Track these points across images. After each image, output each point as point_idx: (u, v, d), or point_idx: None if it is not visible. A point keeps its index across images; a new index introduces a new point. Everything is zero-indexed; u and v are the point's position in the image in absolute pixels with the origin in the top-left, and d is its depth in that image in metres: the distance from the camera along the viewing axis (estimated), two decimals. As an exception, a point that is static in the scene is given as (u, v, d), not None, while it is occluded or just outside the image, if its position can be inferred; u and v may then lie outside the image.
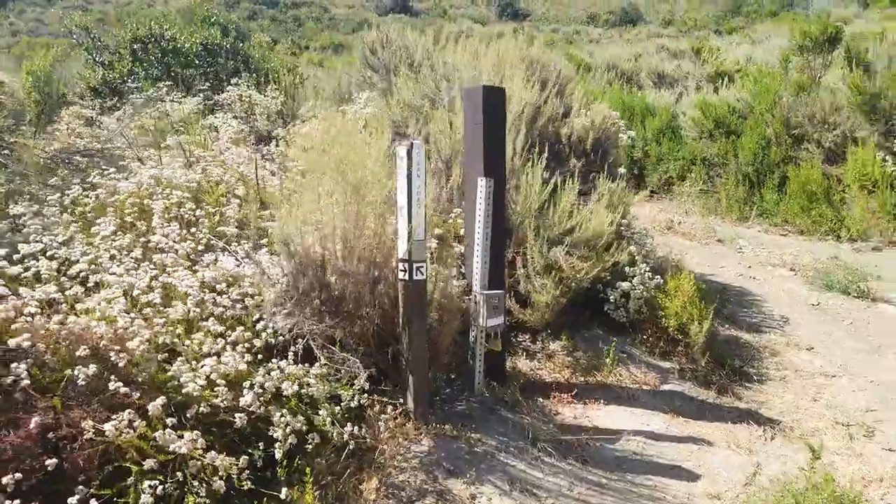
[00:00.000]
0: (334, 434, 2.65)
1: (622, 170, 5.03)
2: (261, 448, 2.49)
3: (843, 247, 8.24)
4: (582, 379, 3.91)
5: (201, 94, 7.76)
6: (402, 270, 3.11)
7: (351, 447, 2.66)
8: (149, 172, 3.88)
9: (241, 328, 2.72)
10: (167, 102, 7.34)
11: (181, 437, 2.21)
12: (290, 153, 6.33)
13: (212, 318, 2.73)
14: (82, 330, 2.35)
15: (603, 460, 3.14)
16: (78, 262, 2.99)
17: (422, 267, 3.13)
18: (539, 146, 4.60)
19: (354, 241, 2.99)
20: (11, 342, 2.22)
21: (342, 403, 2.81)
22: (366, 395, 2.93)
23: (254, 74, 8.51)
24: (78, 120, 6.01)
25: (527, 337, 4.32)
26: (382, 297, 3.20)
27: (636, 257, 4.48)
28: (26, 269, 2.87)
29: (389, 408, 3.06)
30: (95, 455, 2.13)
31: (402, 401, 3.16)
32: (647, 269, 4.42)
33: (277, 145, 6.84)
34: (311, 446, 2.55)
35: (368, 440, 2.80)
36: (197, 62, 8.39)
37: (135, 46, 7.75)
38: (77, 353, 2.29)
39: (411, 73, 5.75)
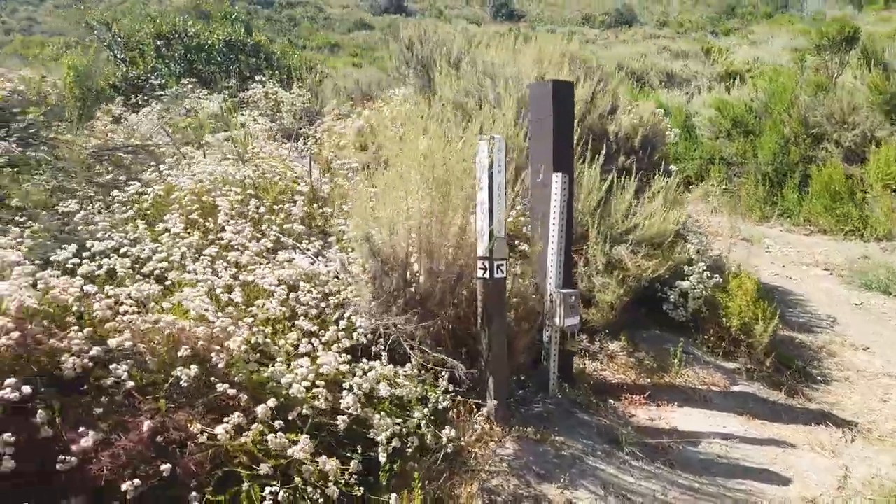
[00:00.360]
0: (429, 437, 2.56)
1: (673, 167, 4.96)
2: (358, 451, 2.39)
3: (870, 246, 8.20)
4: (648, 380, 3.84)
5: (226, 92, 7.66)
6: (481, 269, 3.02)
7: (449, 450, 2.56)
8: (207, 168, 3.77)
9: (334, 328, 2.62)
10: (192, 99, 7.24)
11: (295, 442, 2.11)
12: (325, 150, 6.24)
13: (302, 318, 2.63)
14: (181, 330, 2.25)
15: (689, 464, 3.06)
16: (151, 259, 2.89)
17: (502, 265, 3.04)
18: (592, 143, 4.53)
19: (438, 238, 2.90)
20: (112, 342, 2.12)
21: (428, 405, 2.72)
22: (448, 396, 2.84)
23: (276, 72, 8.41)
24: (107, 116, 5.89)
25: (584, 337, 4.24)
26: (460, 296, 3.12)
27: (693, 256, 4.41)
28: (99, 267, 2.76)
29: (475, 410, 2.97)
30: (205, 459, 2.03)
31: (480, 402, 3.07)
32: (705, 267, 4.35)
33: (306, 142, 6.74)
34: (410, 449, 2.45)
35: (462, 442, 2.71)
36: (219, 59, 8.28)
37: (158, 43, 7.62)
38: (179, 354, 2.19)
39: (451, 70, 5.66)
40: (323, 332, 2.59)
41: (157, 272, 2.84)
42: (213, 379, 2.23)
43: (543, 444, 2.96)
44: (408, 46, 6.19)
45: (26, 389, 1.83)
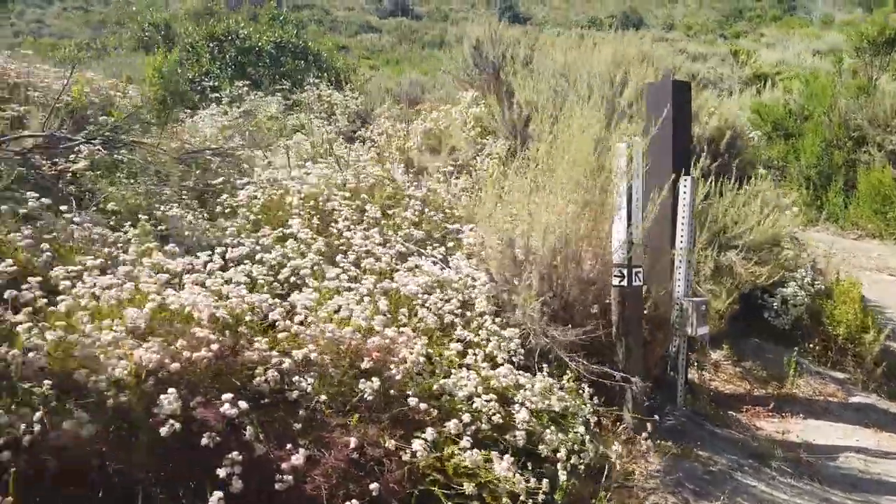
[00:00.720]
0: (591, 452, 2.47)
1: (762, 170, 4.87)
2: (529, 468, 2.30)
3: (925, 251, 8.09)
4: (763, 391, 3.75)
5: (279, 94, 7.60)
6: (617, 276, 2.93)
7: (617, 467, 2.47)
8: (313, 172, 3.69)
9: (496, 338, 2.53)
10: (248, 101, 7.18)
11: (488, 459, 2.03)
12: (388, 153, 6.15)
13: (460, 328, 2.54)
14: (360, 341, 2.16)
15: (834, 479, 2.97)
16: (284, 266, 2.80)
17: (640, 272, 2.96)
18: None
19: (586, 245, 2.82)
20: (297, 354, 2.03)
21: (579, 418, 2.63)
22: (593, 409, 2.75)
23: (324, 74, 8.33)
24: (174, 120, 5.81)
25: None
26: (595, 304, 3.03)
27: (792, 262, 4.32)
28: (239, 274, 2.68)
29: (615, 423, 2.88)
30: (403, 477, 1.94)
31: (619, 412, 2.98)
32: (805, 273, 4.26)
33: (364, 143, 6.66)
34: (582, 466, 2.36)
35: (623, 459, 2.62)
36: (267, 61, 8.21)
37: (211, 45, 7.55)
38: (362, 366, 2.11)
39: (525, 71, 5.58)
40: (485, 342, 2.51)
41: (293, 279, 2.76)
42: (392, 392, 2.14)
43: (688, 458, 2.87)
44: (475, 47, 6.11)
45: (243, 405, 1.74)
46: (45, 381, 1.72)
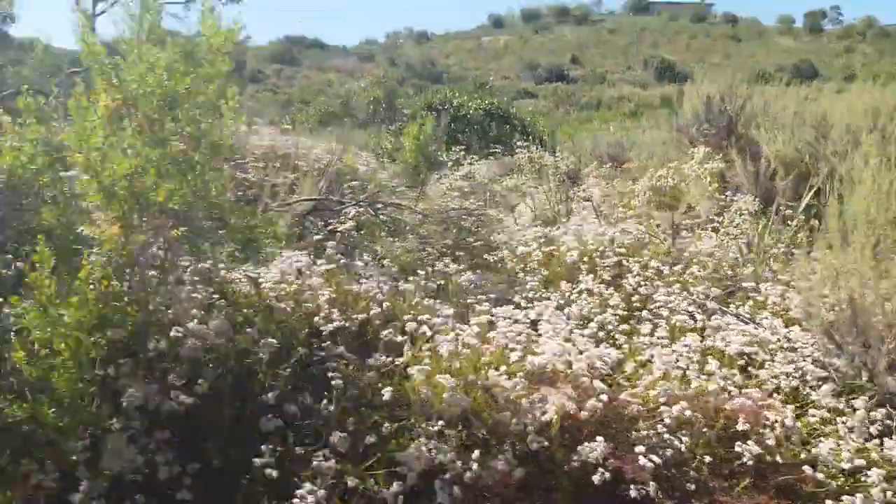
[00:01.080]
0: None
1: None
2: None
3: None
4: None
5: (492, 158, 7.95)
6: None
7: None
8: (595, 230, 3.74)
9: (862, 410, 2.28)
10: (465, 165, 7.59)
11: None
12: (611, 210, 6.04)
13: (813, 392, 2.33)
14: (723, 400, 2.05)
15: None
16: (591, 320, 2.79)
17: None
18: None
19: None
20: (672, 409, 1.96)
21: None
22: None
23: (530, 137, 8.61)
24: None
25: None
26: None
27: None
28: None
29: None
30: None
31: None
32: None
33: (579, 202, 6.64)
34: None
35: None
36: (476, 127, 8.68)
37: (429, 114, 8.18)
38: (737, 427, 1.98)
39: (767, 123, 5.31)
40: (850, 409, 2.26)
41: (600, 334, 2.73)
42: (768, 457, 1.98)
43: None
44: (705, 103, 5.98)
45: (655, 458, 1.70)
46: (439, 421, 1.82)
